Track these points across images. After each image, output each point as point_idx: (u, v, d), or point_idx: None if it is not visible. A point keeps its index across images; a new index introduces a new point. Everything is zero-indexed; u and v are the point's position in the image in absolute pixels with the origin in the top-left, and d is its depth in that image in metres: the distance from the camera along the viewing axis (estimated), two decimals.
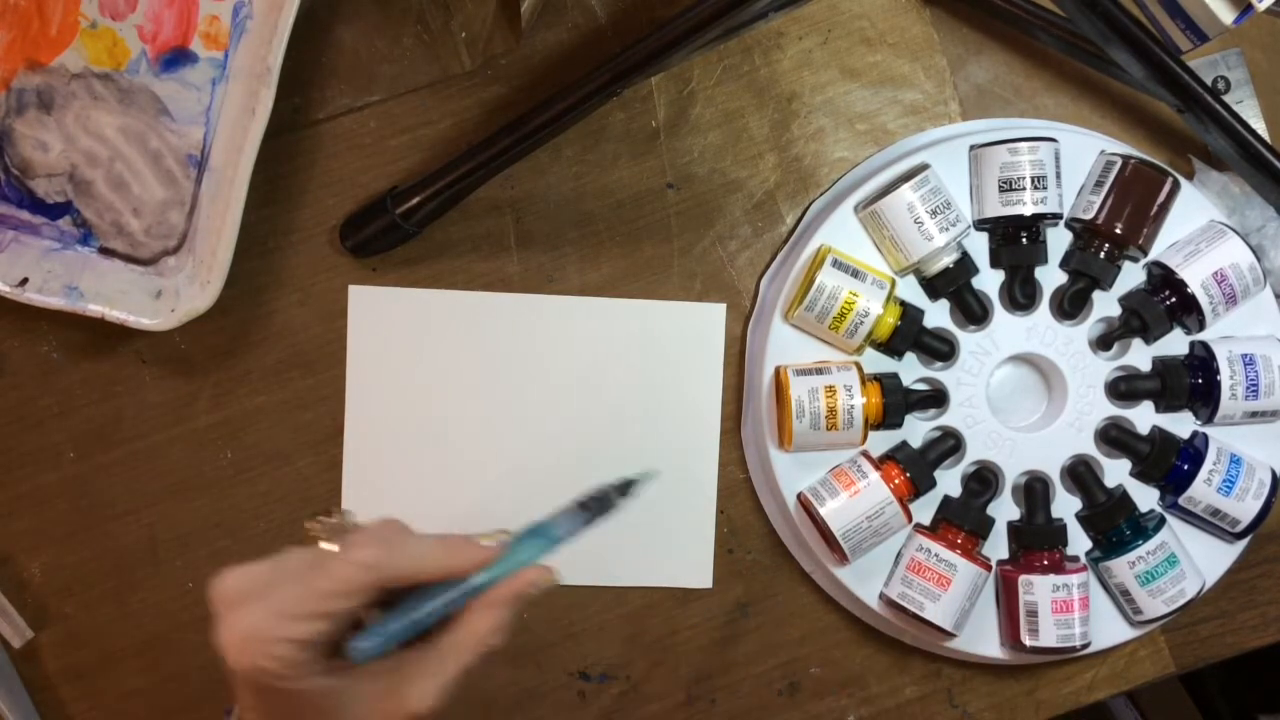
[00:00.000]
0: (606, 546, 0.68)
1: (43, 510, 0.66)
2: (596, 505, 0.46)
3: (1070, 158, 0.64)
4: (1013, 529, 0.65)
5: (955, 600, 0.62)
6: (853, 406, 0.61)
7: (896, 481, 0.62)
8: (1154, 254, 0.64)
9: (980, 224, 0.64)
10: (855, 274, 0.62)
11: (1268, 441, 0.65)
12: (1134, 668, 0.70)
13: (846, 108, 0.69)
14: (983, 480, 0.65)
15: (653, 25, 0.61)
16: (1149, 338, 0.64)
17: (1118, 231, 0.62)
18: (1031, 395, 0.67)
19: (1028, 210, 0.62)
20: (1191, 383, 0.64)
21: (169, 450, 0.66)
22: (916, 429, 0.65)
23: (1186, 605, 0.63)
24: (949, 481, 0.65)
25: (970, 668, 0.69)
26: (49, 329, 0.66)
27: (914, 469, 0.63)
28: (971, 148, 0.64)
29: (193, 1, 0.63)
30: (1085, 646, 0.63)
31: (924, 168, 0.63)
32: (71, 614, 0.66)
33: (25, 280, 0.62)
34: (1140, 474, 0.64)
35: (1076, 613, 0.62)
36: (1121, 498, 0.64)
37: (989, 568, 0.63)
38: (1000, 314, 0.64)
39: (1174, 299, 0.64)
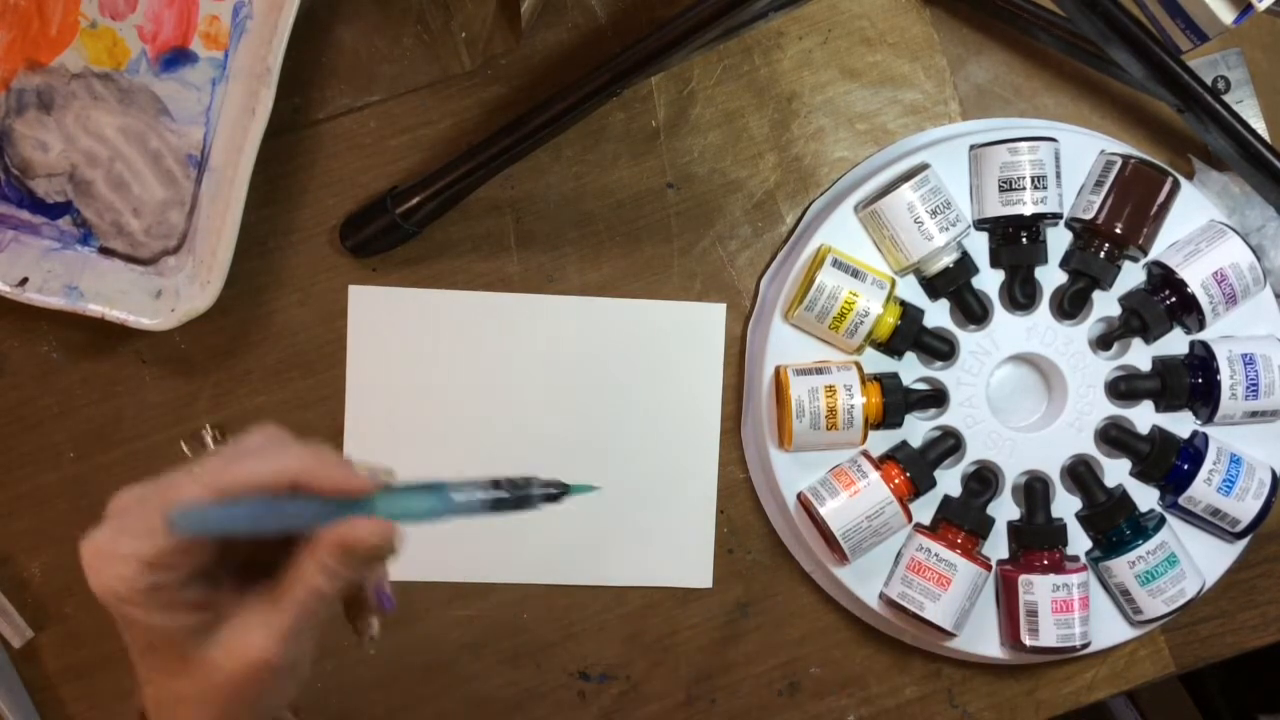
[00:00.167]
0: (606, 546, 0.68)
1: (43, 510, 0.66)
2: (511, 492, 0.40)
3: (1070, 158, 0.64)
4: (1013, 529, 0.65)
5: (955, 600, 0.62)
6: (853, 406, 0.61)
7: (896, 481, 0.62)
8: (1154, 254, 0.64)
9: (980, 224, 0.64)
10: (855, 274, 0.62)
11: (1268, 441, 0.65)
12: (1134, 668, 0.70)
13: (846, 108, 0.69)
14: (983, 480, 0.65)
15: (653, 25, 0.61)
16: (1149, 337, 0.64)
17: (1118, 231, 0.62)
18: (1031, 395, 0.67)
19: (1028, 210, 0.62)
20: (1191, 382, 0.64)
21: (169, 450, 0.66)
22: (916, 429, 0.65)
23: (1186, 605, 0.63)
24: (949, 481, 0.65)
25: (970, 668, 0.69)
26: (49, 329, 0.66)
27: (914, 469, 0.63)
28: (971, 147, 0.64)
29: (193, 1, 0.63)
30: (1085, 646, 0.63)
31: (924, 167, 0.63)
32: (71, 614, 0.66)
33: (25, 280, 0.62)
34: (1140, 474, 0.64)
35: (1076, 613, 0.62)
36: (1121, 498, 0.64)
37: (989, 568, 0.63)
38: (1000, 314, 0.64)
39: (1174, 299, 0.64)
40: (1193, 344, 0.65)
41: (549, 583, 0.68)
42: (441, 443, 0.67)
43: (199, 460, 0.40)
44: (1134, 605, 0.63)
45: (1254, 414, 0.63)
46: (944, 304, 0.65)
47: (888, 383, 0.63)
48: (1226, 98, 0.67)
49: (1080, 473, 0.65)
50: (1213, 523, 0.63)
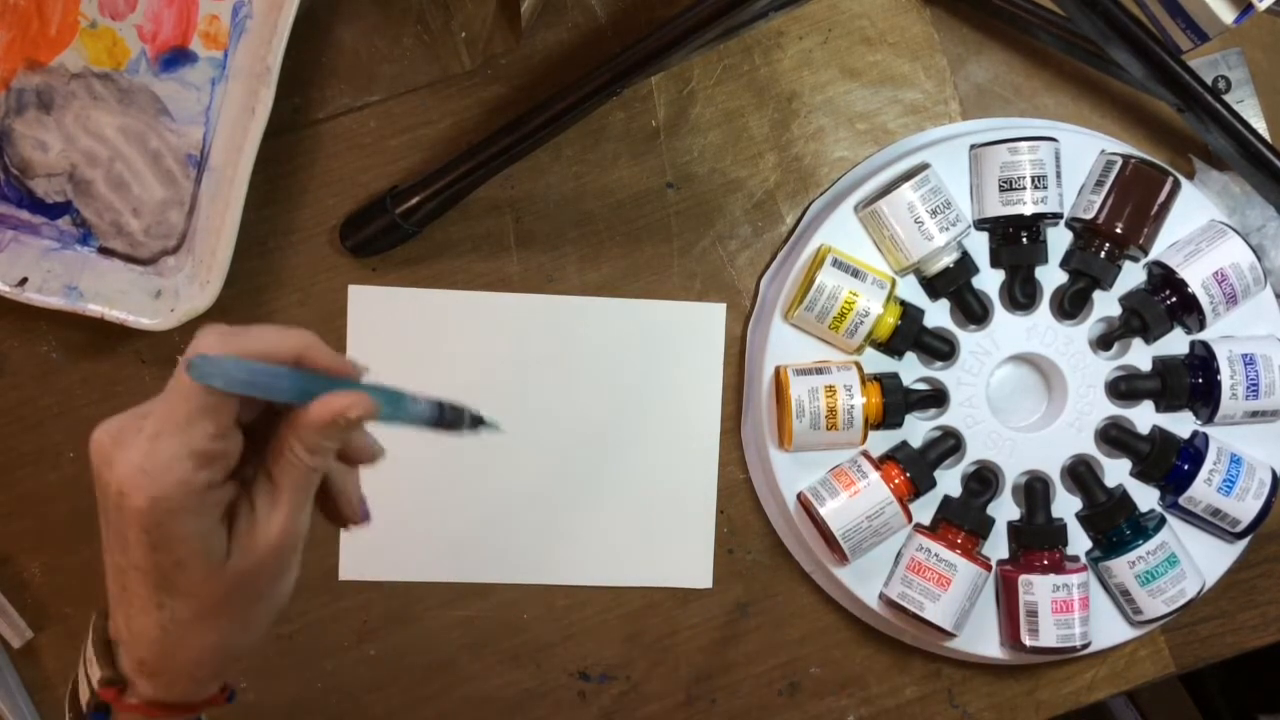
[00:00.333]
0: (606, 546, 0.68)
1: (43, 510, 0.66)
2: (452, 414, 0.45)
3: (1070, 157, 0.64)
4: (1013, 529, 0.65)
5: (955, 600, 0.62)
6: (853, 406, 0.61)
7: (896, 481, 0.62)
8: (1154, 254, 0.64)
9: (980, 224, 0.64)
10: (855, 274, 0.62)
11: (1268, 441, 0.65)
12: (1134, 668, 0.70)
13: (846, 107, 0.69)
14: (983, 480, 0.65)
15: (653, 25, 0.61)
16: (1149, 337, 0.64)
17: (1118, 231, 0.62)
18: (1031, 395, 0.67)
19: (1028, 210, 0.62)
20: (1191, 382, 0.64)
21: None
22: (916, 429, 0.65)
23: (1186, 605, 0.63)
24: (949, 481, 0.65)
25: (970, 668, 0.69)
26: (49, 329, 0.66)
27: (914, 469, 0.63)
28: (971, 147, 0.64)
29: (192, 1, 0.63)
30: (1085, 646, 0.63)
31: (924, 167, 0.63)
32: (71, 614, 0.66)
33: (25, 280, 0.62)
34: (1140, 474, 0.64)
35: (1076, 613, 0.62)
36: (1121, 498, 0.64)
37: (989, 568, 0.63)
38: (1000, 314, 0.64)
39: (1174, 299, 0.64)
40: (1193, 344, 0.65)
41: (549, 583, 0.68)
42: (441, 443, 0.67)
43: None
44: (1134, 605, 0.63)
45: (1254, 414, 0.63)
46: (944, 304, 0.65)
47: (888, 383, 0.63)
48: (1227, 97, 0.67)
49: (1080, 473, 0.65)
50: (1213, 523, 0.63)
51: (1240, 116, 0.63)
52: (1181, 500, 0.63)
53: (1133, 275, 0.65)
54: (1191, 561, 0.64)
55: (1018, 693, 0.69)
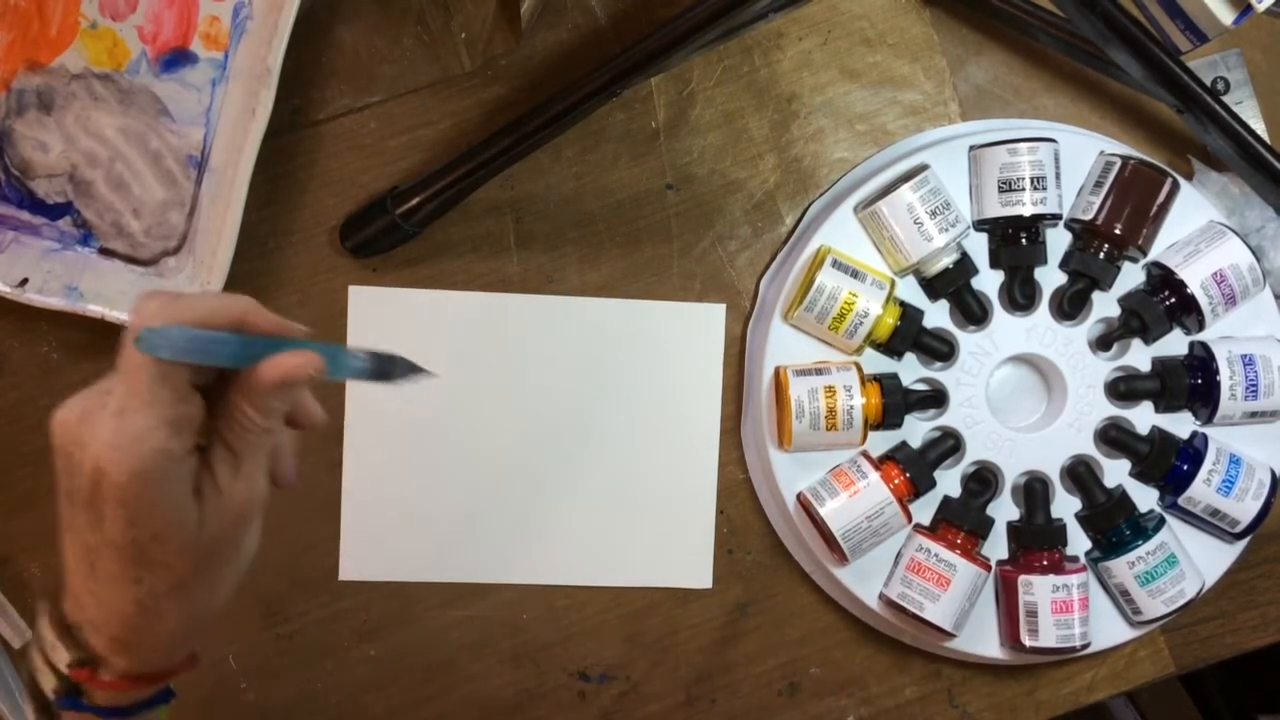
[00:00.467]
0: (606, 546, 0.68)
1: (43, 510, 0.66)
2: (386, 363, 0.46)
3: (1070, 158, 0.64)
4: (1012, 529, 0.65)
5: (955, 600, 0.62)
6: (852, 407, 0.61)
7: (896, 481, 0.62)
8: (1153, 254, 0.64)
9: (980, 224, 0.64)
10: (855, 274, 0.62)
11: (1267, 441, 0.65)
12: (1134, 668, 0.70)
13: (846, 108, 0.69)
14: (982, 480, 0.65)
15: (653, 25, 0.61)
16: (1148, 338, 0.64)
17: (1117, 232, 0.62)
18: (1031, 395, 0.67)
19: (1027, 211, 0.62)
20: (1191, 383, 0.64)
21: None
22: (916, 429, 0.65)
23: (1186, 605, 0.63)
24: (949, 481, 0.65)
25: (970, 668, 0.69)
26: (49, 329, 0.66)
27: (914, 469, 0.63)
28: (971, 148, 0.64)
29: (193, 2, 0.63)
30: (1085, 647, 0.63)
31: (924, 168, 0.63)
32: None
33: (25, 280, 0.62)
34: (1140, 474, 0.65)
35: (1076, 613, 0.62)
36: (1121, 498, 0.64)
37: (989, 568, 0.63)
38: (1000, 314, 0.64)
39: (1173, 299, 0.64)
40: (1192, 344, 0.65)
41: (549, 583, 0.68)
42: (441, 441, 0.67)
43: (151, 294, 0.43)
44: (1134, 606, 0.63)
45: (1253, 414, 0.63)
46: (944, 305, 0.65)
47: (887, 383, 0.63)
48: (1226, 98, 0.67)
49: (1080, 473, 0.65)
50: (1212, 523, 0.63)
51: (1239, 117, 0.63)
52: (1181, 501, 0.63)
53: (1132, 276, 0.65)
54: (1191, 562, 0.64)
55: (1017, 693, 0.69)
